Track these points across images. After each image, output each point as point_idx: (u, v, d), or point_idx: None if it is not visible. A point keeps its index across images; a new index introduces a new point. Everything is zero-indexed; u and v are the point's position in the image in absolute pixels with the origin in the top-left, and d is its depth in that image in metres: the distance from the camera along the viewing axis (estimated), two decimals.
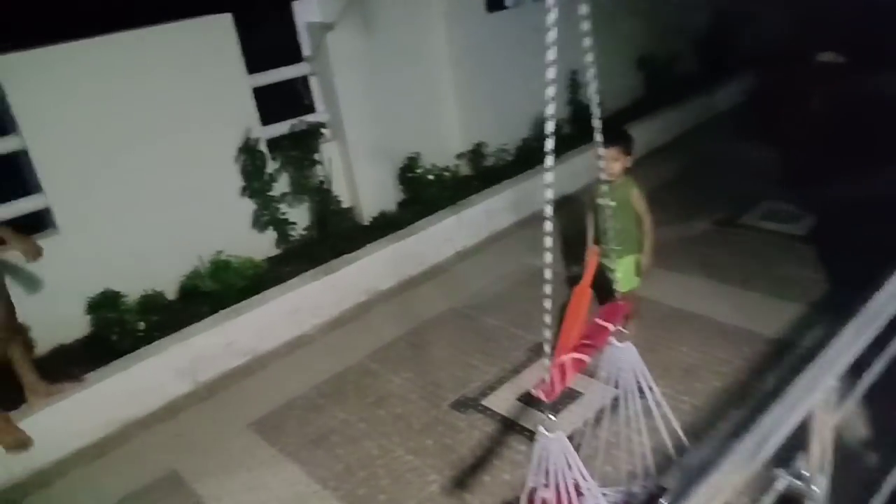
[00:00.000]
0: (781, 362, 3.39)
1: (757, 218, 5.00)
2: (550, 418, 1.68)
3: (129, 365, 3.60)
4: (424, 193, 5.19)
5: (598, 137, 2.07)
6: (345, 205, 5.01)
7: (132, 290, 4.06)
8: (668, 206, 5.20)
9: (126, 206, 4.07)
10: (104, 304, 3.89)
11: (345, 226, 4.89)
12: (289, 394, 3.65)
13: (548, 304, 1.75)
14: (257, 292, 4.16)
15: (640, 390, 2.17)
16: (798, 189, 5.23)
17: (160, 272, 4.20)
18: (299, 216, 4.82)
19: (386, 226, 4.91)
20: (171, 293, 4.26)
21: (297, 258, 4.63)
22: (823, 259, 4.27)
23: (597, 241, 3.48)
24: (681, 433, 2.36)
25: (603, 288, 3.44)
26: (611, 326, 1.90)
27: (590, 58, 1.92)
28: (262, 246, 4.68)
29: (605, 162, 2.77)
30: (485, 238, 5.19)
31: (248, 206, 4.60)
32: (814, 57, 6.45)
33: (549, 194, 1.72)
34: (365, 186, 5.04)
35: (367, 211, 5.08)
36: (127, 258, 4.08)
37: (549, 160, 1.67)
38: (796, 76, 6.74)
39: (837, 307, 3.74)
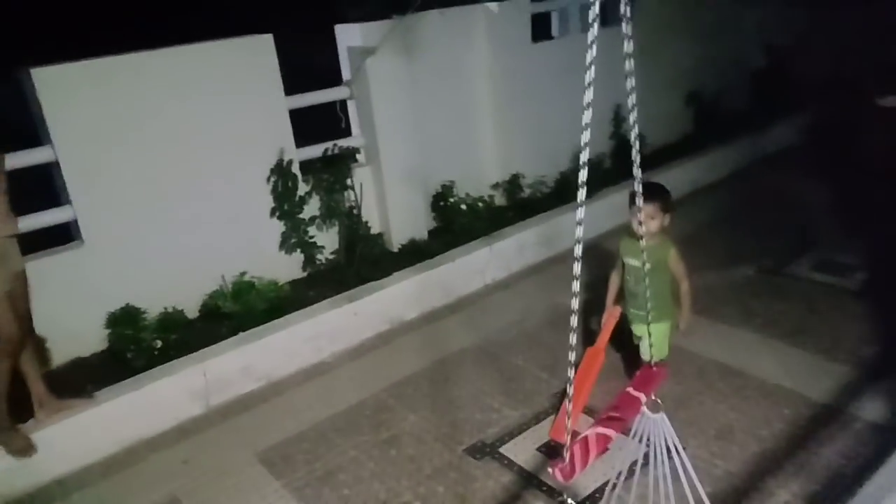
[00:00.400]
0: (826, 429, 3.14)
1: (806, 268, 4.74)
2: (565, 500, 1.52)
3: (141, 384, 3.54)
4: (457, 222, 5.09)
5: (637, 184, 1.87)
6: (374, 230, 4.93)
7: (154, 307, 4.03)
8: (710, 250, 5.00)
9: (153, 222, 4.05)
10: (123, 320, 3.86)
11: (373, 252, 4.80)
12: (301, 424, 3.54)
13: (572, 356, 1.58)
14: (279, 316, 4.09)
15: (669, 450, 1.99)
16: (853, 241, 4.96)
17: (183, 290, 4.17)
18: (328, 240, 4.75)
19: (415, 253, 4.81)
20: (192, 312, 4.22)
21: (322, 282, 4.56)
22: (877, 320, 4.00)
23: (618, 300, 3.33)
24: None
25: (626, 348, 3.27)
26: (643, 397, 1.72)
27: (631, 83, 1.65)
28: (288, 268, 4.63)
29: (641, 219, 2.60)
30: (516, 272, 5.04)
31: (277, 227, 4.55)
32: (875, 100, 6.16)
33: (580, 232, 1.53)
34: (396, 213, 4.96)
35: (397, 238, 4.99)
36: (151, 274, 4.06)
37: (582, 194, 1.46)
38: (857, 120, 6.46)
39: (884, 373, 3.49)
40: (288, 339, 4.00)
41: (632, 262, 3.08)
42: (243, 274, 4.30)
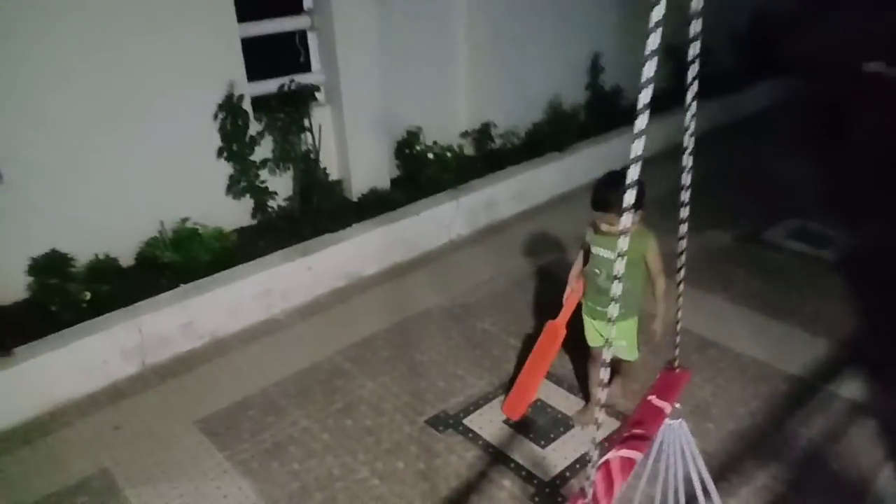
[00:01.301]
0: (804, 408, 3.05)
1: (782, 236, 4.64)
2: None
3: (68, 340, 3.22)
4: (422, 173, 4.79)
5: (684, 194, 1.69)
6: (333, 177, 4.60)
7: (82, 254, 3.66)
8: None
9: (83, 158, 3.64)
10: (48, 268, 3.49)
11: (331, 201, 4.48)
12: (247, 389, 3.28)
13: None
14: (225, 268, 3.78)
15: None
16: (832, 209, 4.87)
17: (116, 236, 3.80)
18: (281, 186, 4.41)
19: (376, 204, 4.51)
20: (126, 260, 3.87)
21: (273, 232, 4.23)
22: (855, 294, 3.92)
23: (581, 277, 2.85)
24: None
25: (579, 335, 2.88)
26: (668, 408, 1.48)
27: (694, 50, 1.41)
28: (236, 215, 4.28)
29: (603, 225, 2.51)
30: (483, 228, 4.81)
31: (224, 170, 4.18)
32: (860, 65, 6.04)
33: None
34: (357, 159, 4.63)
35: (357, 187, 4.67)
36: (79, 217, 3.67)
37: (641, 121, 1.12)
38: (842, 85, 6.35)
39: (864, 350, 3.42)
40: (234, 293, 3.71)
41: (602, 253, 2.63)
42: (185, 220, 3.95)
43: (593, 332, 2.84)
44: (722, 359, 3.40)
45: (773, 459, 2.76)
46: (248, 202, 4.33)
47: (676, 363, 1.74)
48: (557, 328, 2.90)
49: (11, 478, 2.81)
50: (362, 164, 4.65)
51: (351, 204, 4.60)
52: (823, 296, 3.91)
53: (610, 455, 1.22)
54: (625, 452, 1.21)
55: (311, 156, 4.40)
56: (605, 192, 2.46)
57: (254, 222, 4.39)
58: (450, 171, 4.80)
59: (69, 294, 3.36)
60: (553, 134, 5.32)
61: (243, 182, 4.25)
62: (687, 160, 1.52)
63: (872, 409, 3.01)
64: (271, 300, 3.85)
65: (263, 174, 4.31)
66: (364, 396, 3.20)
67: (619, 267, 1.18)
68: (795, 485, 2.65)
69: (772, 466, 2.73)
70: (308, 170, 4.42)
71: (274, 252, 3.96)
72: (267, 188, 4.34)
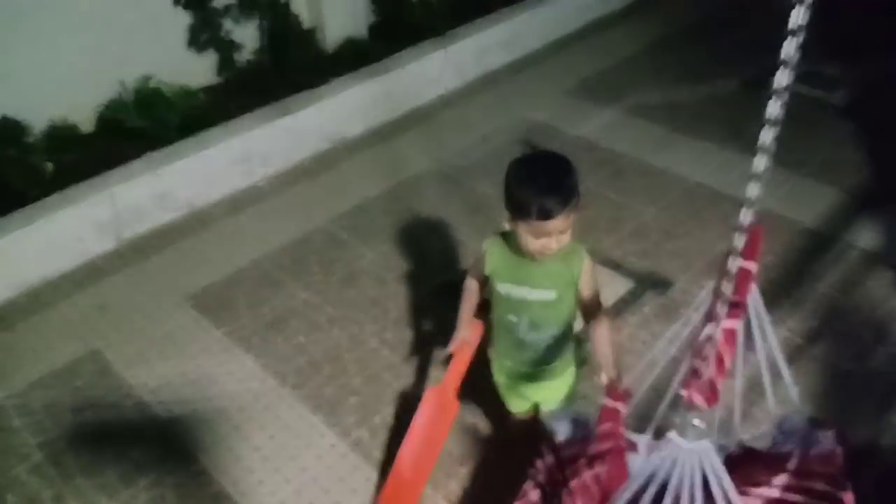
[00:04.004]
0: (820, 260, 3.09)
1: (791, 80, 4.51)
2: (696, 424, 1.10)
3: (35, 216, 3.05)
4: (404, 17, 4.47)
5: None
6: (305, 26, 4.27)
7: (37, 121, 3.40)
8: (689, 59, 4.70)
9: (27, 11, 3.28)
10: (2, 137, 3.23)
11: (304, 53, 4.19)
12: (238, 262, 3.19)
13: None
14: (196, 131, 3.57)
15: None
16: (840, 51, 4.72)
17: (71, 98, 3.50)
18: (248, 37, 4.09)
19: (355, 56, 4.23)
20: (86, 126, 3.61)
21: (243, 90, 3.97)
22: (867, 140, 3.88)
23: (479, 314, 2.03)
24: None
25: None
26: (755, 267, 1.18)
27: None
28: (200, 72, 3.98)
29: (550, 239, 1.69)
30: (473, 80, 4.58)
31: (183, 19, 3.84)
32: None
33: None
34: (331, 3, 4.27)
35: (332, 35, 4.35)
36: (29, 77, 3.36)
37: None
38: None
39: (880, 198, 3.43)
40: (210, 159, 3.52)
41: (521, 293, 1.84)
42: (147, 78, 3.66)
43: (516, 398, 2.09)
44: (735, 213, 3.35)
45: (790, 313, 2.82)
46: (212, 56, 4.02)
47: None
48: (446, 401, 2.05)
49: None
50: (336, 8, 4.31)
51: (327, 56, 4.31)
52: (835, 142, 3.87)
53: (709, 330, 1.14)
54: (726, 323, 1.15)
55: (280, 0, 4.05)
56: (553, 185, 1.66)
57: (220, 80, 4.10)
58: (435, 15, 4.48)
59: (29, 166, 3.14)
60: None
61: (205, 33, 3.92)
62: None
63: (890, 259, 3.06)
64: (251, 166, 3.68)
65: (227, 23, 3.98)
66: (365, 267, 3.14)
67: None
68: (813, 337, 2.72)
69: (788, 321, 2.79)
70: (277, 17, 4.08)
71: (248, 113, 3.72)
72: (232, 40, 4.03)
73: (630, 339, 2.73)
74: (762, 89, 4.10)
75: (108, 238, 3.29)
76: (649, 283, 2.98)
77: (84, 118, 3.59)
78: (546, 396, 1.99)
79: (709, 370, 1.10)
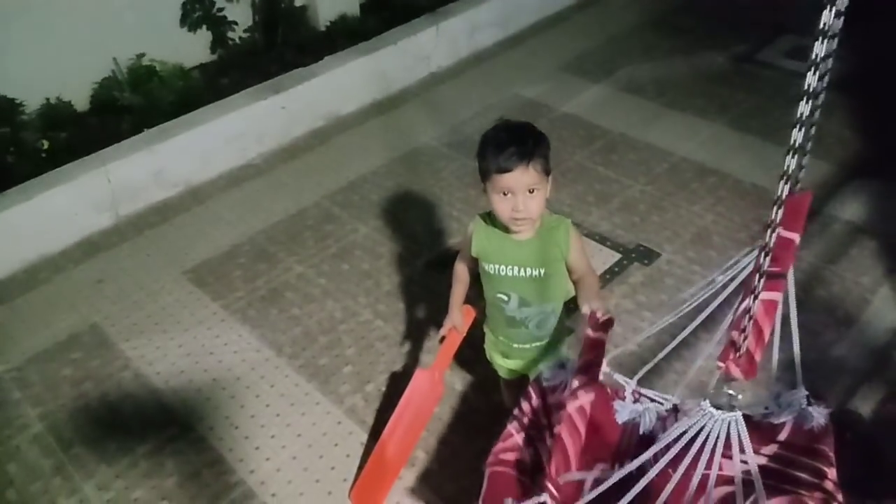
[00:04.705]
0: (807, 234, 3.13)
1: (780, 55, 4.54)
2: (731, 394, 1.10)
3: (32, 193, 3.09)
4: None
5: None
6: (298, 3, 4.29)
7: (31, 99, 3.42)
8: (677, 33, 4.73)
9: None
10: None
11: (297, 31, 4.21)
12: (234, 237, 3.24)
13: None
14: (191, 109, 3.60)
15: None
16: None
17: (66, 76, 3.54)
18: (240, 15, 4.11)
19: (347, 34, 4.25)
20: (81, 104, 3.64)
21: (237, 68, 4.00)
22: (854, 114, 3.92)
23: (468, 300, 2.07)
24: None
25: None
26: (797, 237, 1.24)
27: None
28: (194, 50, 4.01)
29: (516, 198, 1.68)
30: (465, 57, 4.60)
31: None
32: None
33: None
34: None
35: (324, 13, 4.38)
36: (23, 55, 3.38)
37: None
38: None
39: (865, 171, 3.47)
40: (205, 137, 3.56)
41: (506, 271, 1.86)
42: (141, 56, 3.68)
43: (507, 369, 2.11)
44: (722, 185, 3.43)
45: None
46: (205, 34, 4.04)
47: (798, 186, 1.30)
48: (434, 382, 2.12)
49: None
50: None
51: (319, 34, 4.33)
52: (823, 117, 3.90)
53: (748, 302, 1.12)
54: (766, 295, 1.13)
55: None
56: (511, 139, 1.68)
57: (214, 57, 4.13)
58: None
59: (24, 143, 3.17)
60: None
61: (198, 11, 3.94)
62: None
63: (873, 230, 3.11)
64: (246, 143, 3.71)
65: (220, 2, 3.99)
66: (358, 241, 3.19)
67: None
68: (798, 304, 2.77)
69: None
70: None
71: (243, 91, 3.75)
72: (225, 17, 4.05)
73: (615, 308, 2.78)
74: (750, 64, 4.16)
75: (105, 215, 3.33)
76: (636, 255, 3.03)
77: (78, 96, 3.61)
78: (536, 369, 2.04)
79: (747, 342, 1.12)
